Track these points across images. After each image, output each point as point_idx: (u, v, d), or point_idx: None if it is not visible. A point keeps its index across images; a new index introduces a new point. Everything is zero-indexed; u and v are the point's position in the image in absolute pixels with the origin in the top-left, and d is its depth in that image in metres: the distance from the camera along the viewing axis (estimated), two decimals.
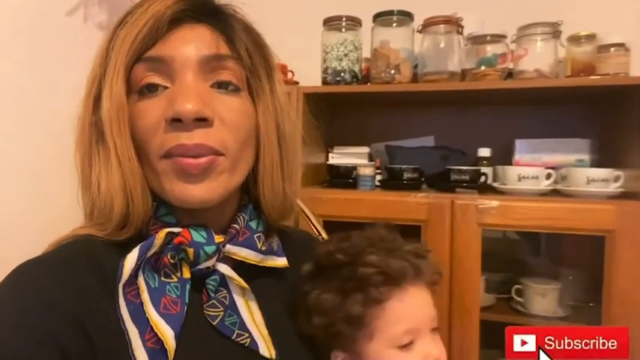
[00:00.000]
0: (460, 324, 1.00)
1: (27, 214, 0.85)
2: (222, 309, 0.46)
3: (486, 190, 1.14)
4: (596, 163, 1.16)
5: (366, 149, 1.29)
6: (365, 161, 1.26)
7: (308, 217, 0.91)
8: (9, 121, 0.83)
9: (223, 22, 0.48)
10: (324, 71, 1.21)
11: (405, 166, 1.16)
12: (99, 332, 0.39)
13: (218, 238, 0.46)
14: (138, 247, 0.42)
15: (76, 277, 0.41)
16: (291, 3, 1.45)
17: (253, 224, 0.50)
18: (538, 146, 1.21)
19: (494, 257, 1.19)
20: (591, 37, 1.10)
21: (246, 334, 0.46)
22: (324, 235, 0.86)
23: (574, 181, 1.05)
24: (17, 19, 0.84)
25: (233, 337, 0.45)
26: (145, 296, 0.41)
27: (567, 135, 1.20)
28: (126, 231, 0.44)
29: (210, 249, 0.44)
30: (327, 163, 1.29)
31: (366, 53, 1.22)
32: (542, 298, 1.11)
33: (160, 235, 0.43)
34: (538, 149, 1.20)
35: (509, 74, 1.13)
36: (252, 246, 0.48)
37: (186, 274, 0.45)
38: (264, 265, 0.50)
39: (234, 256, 0.47)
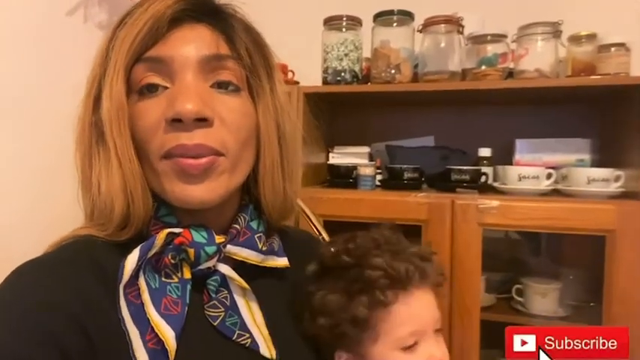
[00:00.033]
0: (460, 324, 1.00)
1: (29, 214, 0.85)
2: (222, 309, 0.46)
3: (487, 190, 1.14)
4: (597, 163, 1.16)
5: (366, 149, 1.29)
6: (365, 161, 1.26)
7: (308, 217, 0.91)
8: (10, 121, 0.83)
9: (223, 21, 0.48)
10: (325, 71, 1.21)
11: (405, 166, 1.15)
12: (99, 333, 0.39)
13: (219, 239, 0.46)
14: (138, 247, 0.42)
15: (76, 278, 0.41)
16: (291, 3, 1.45)
17: (254, 224, 0.50)
18: (538, 146, 1.21)
19: (495, 257, 1.19)
20: (592, 37, 1.10)
21: (247, 335, 0.45)
22: (324, 235, 0.86)
23: (574, 181, 1.05)
24: (17, 18, 0.84)
25: (234, 338, 0.45)
26: (146, 297, 0.41)
27: (568, 135, 1.20)
28: (126, 231, 0.44)
29: (210, 249, 0.44)
30: (328, 162, 1.29)
31: (367, 53, 1.22)
32: (543, 297, 1.11)
33: (161, 236, 0.43)
34: (538, 149, 1.20)
35: (510, 74, 1.13)
36: (252, 246, 0.48)
37: (187, 275, 0.45)
38: (265, 265, 0.50)
39: (234, 257, 0.47)
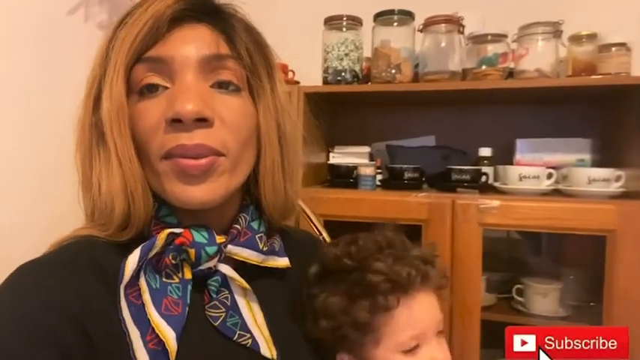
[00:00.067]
0: (461, 324, 1.00)
1: (29, 214, 0.85)
2: (223, 310, 0.45)
3: (487, 189, 1.14)
4: (598, 163, 1.16)
5: (366, 149, 1.29)
6: (366, 161, 1.26)
7: (309, 216, 0.91)
8: (10, 121, 0.83)
9: (223, 21, 0.47)
10: (325, 71, 1.21)
11: (405, 166, 1.15)
12: (100, 333, 0.39)
13: (219, 239, 0.45)
14: (139, 248, 0.42)
15: (77, 278, 0.41)
16: (291, 2, 1.45)
17: (255, 224, 0.50)
18: (539, 146, 1.20)
19: (495, 257, 1.19)
20: (592, 37, 1.10)
21: (248, 335, 0.45)
22: (325, 235, 0.85)
23: (575, 181, 1.05)
24: (18, 18, 0.84)
25: (234, 338, 0.45)
26: (147, 297, 0.41)
27: (568, 135, 1.20)
28: (127, 232, 0.44)
29: (211, 250, 0.44)
30: (328, 162, 1.29)
31: (367, 53, 1.22)
32: (543, 297, 1.11)
33: (162, 236, 0.43)
34: (539, 149, 1.20)
35: (510, 74, 1.13)
36: (253, 246, 0.48)
37: (188, 275, 0.44)
38: (266, 265, 0.50)
39: (235, 257, 0.47)
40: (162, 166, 0.43)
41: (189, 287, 0.44)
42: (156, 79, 0.44)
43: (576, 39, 1.11)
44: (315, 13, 1.22)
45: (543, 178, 1.08)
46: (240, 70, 0.46)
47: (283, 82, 0.51)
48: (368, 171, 1.16)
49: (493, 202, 1.00)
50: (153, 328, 0.40)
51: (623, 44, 1.06)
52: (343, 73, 1.18)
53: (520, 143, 1.22)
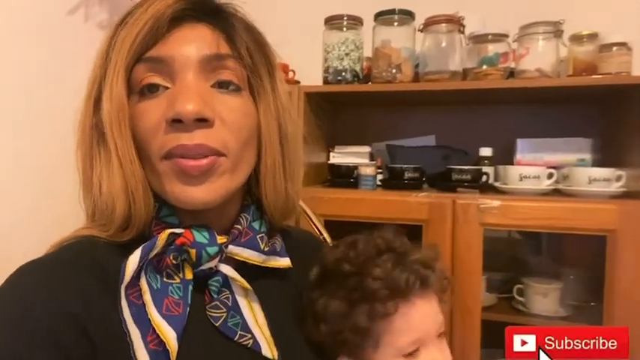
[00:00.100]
0: (462, 324, 1.00)
1: (30, 213, 0.85)
2: (224, 310, 0.45)
3: (488, 189, 1.14)
4: (598, 163, 1.16)
5: (367, 149, 1.29)
6: (366, 161, 1.26)
7: (309, 216, 0.90)
8: (11, 120, 0.83)
9: (224, 21, 0.47)
10: (326, 70, 1.21)
11: (406, 166, 1.15)
12: (100, 334, 0.39)
13: (220, 239, 0.45)
14: (140, 248, 0.42)
15: (77, 279, 0.41)
16: (292, 2, 1.45)
17: (256, 225, 0.50)
18: (540, 146, 1.20)
19: (496, 257, 1.19)
20: (593, 37, 1.10)
21: (249, 335, 0.45)
22: (325, 235, 0.85)
23: (576, 181, 1.05)
24: (18, 18, 0.84)
25: (235, 339, 0.45)
26: (147, 297, 0.41)
27: (569, 134, 1.20)
28: (128, 232, 0.44)
29: (212, 250, 0.44)
30: (328, 162, 1.29)
31: (368, 52, 1.22)
32: (544, 297, 1.11)
33: (162, 236, 0.43)
34: (540, 149, 1.20)
35: (511, 73, 1.12)
36: (254, 247, 0.48)
37: (189, 275, 0.44)
38: (267, 265, 0.50)
39: (236, 257, 0.47)
40: (163, 167, 0.43)
41: (190, 287, 0.44)
42: (156, 79, 0.44)
43: (577, 39, 1.11)
44: (315, 13, 1.22)
45: (544, 177, 1.08)
46: (241, 70, 0.46)
47: (284, 81, 0.51)
48: (368, 171, 1.16)
49: (493, 202, 0.99)
50: (154, 329, 0.40)
51: (623, 44, 1.06)
52: (344, 73, 1.18)
53: (521, 143, 1.22)
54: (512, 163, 1.20)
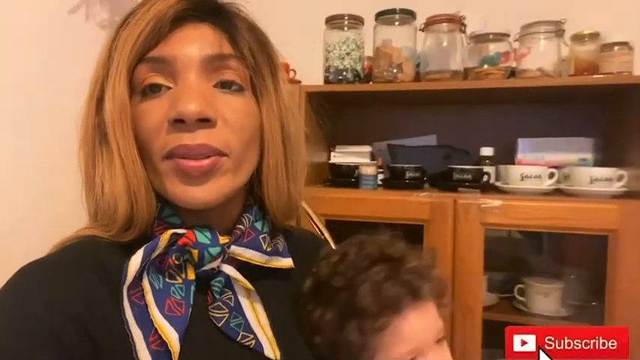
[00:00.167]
0: (463, 323, 1.00)
1: (31, 213, 0.85)
2: (227, 310, 0.45)
3: (489, 189, 1.13)
4: (600, 163, 1.16)
5: (368, 148, 1.29)
6: (367, 160, 1.26)
7: (310, 216, 0.91)
8: (11, 120, 0.83)
9: (226, 20, 0.47)
10: (327, 70, 1.21)
11: (407, 165, 1.15)
12: (103, 334, 0.39)
13: (223, 240, 0.45)
14: (142, 248, 0.42)
15: (80, 279, 0.41)
16: (293, 2, 1.45)
17: (258, 225, 0.50)
18: (541, 145, 1.20)
19: (497, 257, 1.19)
20: (595, 36, 1.10)
21: (252, 336, 0.45)
22: (326, 234, 0.85)
23: (577, 181, 1.04)
24: (18, 17, 0.84)
25: (238, 339, 0.45)
26: (150, 298, 0.41)
27: (570, 134, 1.20)
28: (130, 232, 0.44)
29: (214, 250, 0.44)
30: (329, 162, 1.29)
31: (369, 52, 1.22)
32: (545, 297, 1.11)
33: (165, 237, 0.43)
34: (541, 148, 1.20)
35: (512, 73, 1.12)
36: (257, 247, 0.48)
37: (191, 276, 0.44)
38: (270, 266, 0.50)
39: (239, 257, 0.47)
40: (164, 167, 0.43)
41: (193, 288, 0.44)
42: (158, 79, 0.43)
43: (578, 38, 1.11)
44: (316, 12, 1.22)
45: (545, 177, 1.08)
46: (243, 70, 0.46)
47: (287, 81, 0.51)
48: (369, 170, 1.16)
49: (495, 201, 0.99)
50: (156, 329, 0.40)
51: (625, 43, 1.06)
52: (345, 73, 1.18)
53: (522, 143, 1.22)
54: (513, 163, 1.20)
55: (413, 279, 0.49)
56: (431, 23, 1.14)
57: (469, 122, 1.33)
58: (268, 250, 0.49)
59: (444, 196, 1.03)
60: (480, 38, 1.13)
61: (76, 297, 0.40)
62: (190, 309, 0.43)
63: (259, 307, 0.48)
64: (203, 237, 0.44)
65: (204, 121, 0.42)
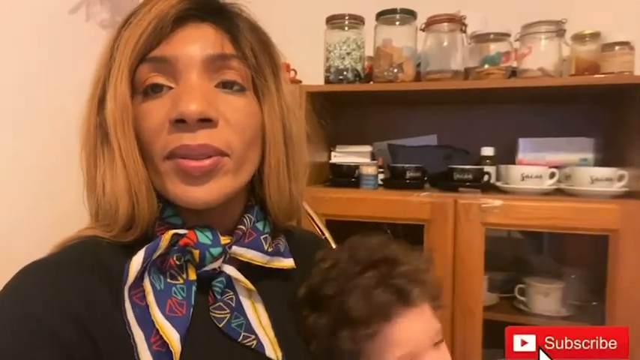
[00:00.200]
0: (463, 323, 1.00)
1: (31, 213, 0.85)
2: (228, 311, 0.45)
3: (489, 189, 1.13)
4: (600, 162, 1.16)
5: (368, 148, 1.29)
6: (367, 160, 1.26)
7: (311, 216, 0.90)
8: (12, 120, 0.83)
9: (228, 20, 0.47)
10: (327, 70, 1.20)
11: (407, 165, 1.15)
12: (104, 335, 0.39)
13: (224, 240, 0.45)
14: (143, 249, 0.42)
15: (81, 279, 0.41)
16: (293, 2, 1.45)
17: (260, 225, 0.50)
18: (542, 145, 1.20)
19: (497, 256, 1.19)
20: (595, 36, 1.10)
21: (253, 336, 0.45)
22: (327, 235, 0.85)
23: (578, 181, 1.04)
24: (19, 17, 0.84)
25: (239, 340, 0.45)
26: (151, 298, 0.41)
27: (571, 134, 1.20)
28: (132, 232, 0.44)
29: (215, 251, 0.44)
30: (330, 162, 1.29)
31: (369, 52, 1.22)
32: (545, 297, 1.11)
33: (166, 237, 0.43)
34: (542, 148, 1.20)
35: (513, 73, 1.12)
36: (258, 247, 0.48)
37: (192, 276, 0.44)
38: (271, 266, 0.50)
39: (240, 258, 0.47)
40: (165, 167, 0.43)
41: (194, 288, 0.44)
42: (160, 79, 0.43)
43: (579, 38, 1.11)
44: (316, 12, 1.22)
45: (546, 177, 1.08)
46: (245, 70, 0.46)
47: (289, 81, 0.51)
48: (370, 170, 1.16)
49: (495, 201, 0.99)
50: (157, 330, 0.40)
51: (626, 43, 1.06)
52: (345, 72, 1.18)
53: (522, 142, 1.22)
54: (514, 163, 1.20)
55: (403, 283, 0.49)
56: (431, 23, 1.14)
57: (470, 122, 1.33)
58: (269, 250, 0.49)
59: (445, 196, 1.03)
60: (481, 38, 1.13)
61: (77, 297, 0.39)
62: (191, 309, 0.43)
63: (260, 308, 0.48)
64: (204, 237, 0.44)
65: (206, 121, 0.42)
